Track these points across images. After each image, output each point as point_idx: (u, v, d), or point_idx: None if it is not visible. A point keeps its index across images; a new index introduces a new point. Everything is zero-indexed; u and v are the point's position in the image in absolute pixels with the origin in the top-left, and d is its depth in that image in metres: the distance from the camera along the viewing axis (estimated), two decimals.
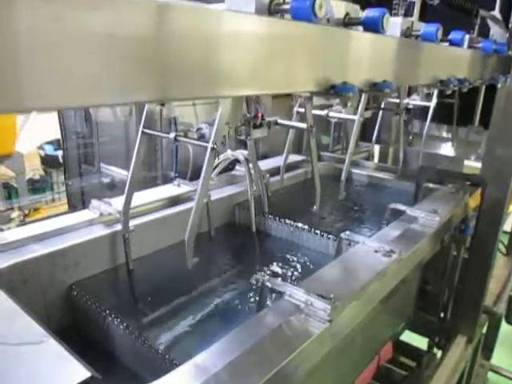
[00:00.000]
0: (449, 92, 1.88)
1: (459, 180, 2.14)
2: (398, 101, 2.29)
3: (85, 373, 0.81)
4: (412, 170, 2.38)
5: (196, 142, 1.27)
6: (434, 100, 2.74)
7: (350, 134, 1.88)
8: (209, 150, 1.08)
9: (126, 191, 1.43)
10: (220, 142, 1.10)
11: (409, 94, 2.81)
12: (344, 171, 1.80)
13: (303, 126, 1.45)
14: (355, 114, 1.82)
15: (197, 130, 1.35)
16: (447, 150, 3.64)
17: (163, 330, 1.24)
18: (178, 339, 1.20)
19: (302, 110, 1.67)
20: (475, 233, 2.09)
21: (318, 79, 0.97)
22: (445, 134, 3.66)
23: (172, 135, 1.30)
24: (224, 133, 1.14)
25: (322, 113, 1.98)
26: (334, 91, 0.99)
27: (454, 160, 3.49)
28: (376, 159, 3.86)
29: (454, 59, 1.73)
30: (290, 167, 2.44)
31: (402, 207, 1.75)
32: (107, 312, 1.22)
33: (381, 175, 2.51)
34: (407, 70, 1.37)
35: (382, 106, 2.58)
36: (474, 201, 2.06)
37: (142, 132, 1.37)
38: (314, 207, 1.49)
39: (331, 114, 1.98)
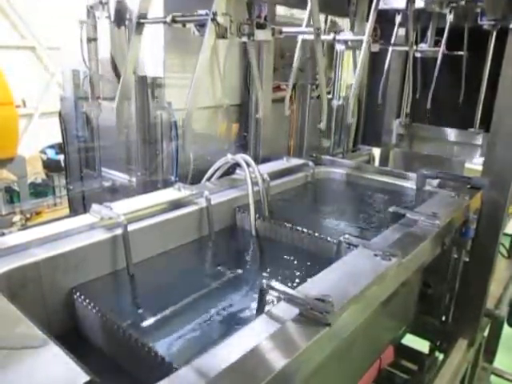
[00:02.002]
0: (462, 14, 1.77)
1: (459, 183, 2.14)
2: (406, 48, 2.21)
3: (84, 377, 0.82)
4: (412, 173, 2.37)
5: (194, 18, 1.24)
6: (443, 46, 2.62)
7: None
8: (209, 21, 1.07)
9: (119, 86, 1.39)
10: (221, 17, 1.07)
11: (416, 43, 2.68)
12: (352, 95, 1.71)
13: (310, 29, 1.40)
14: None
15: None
16: (448, 151, 3.63)
17: (163, 334, 1.24)
18: (177, 343, 1.21)
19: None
20: (476, 236, 2.09)
21: None
22: (446, 137, 3.65)
23: (169, 18, 1.28)
24: (226, 23, 1.10)
25: (329, 37, 1.89)
26: None
27: (455, 162, 3.49)
28: (377, 162, 3.87)
29: None
30: (291, 171, 2.44)
31: (402, 210, 1.75)
32: (107, 316, 1.23)
33: (382, 178, 2.51)
34: None
35: (393, 41, 2.44)
36: (474, 203, 2.06)
37: (137, 23, 1.35)
38: (321, 123, 1.40)
39: (338, 37, 1.89)
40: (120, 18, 2.32)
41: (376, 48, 1.85)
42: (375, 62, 2.99)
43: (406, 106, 3.45)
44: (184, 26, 1.34)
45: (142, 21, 1.35)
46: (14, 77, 4.47)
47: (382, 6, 1.89)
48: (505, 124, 2.02)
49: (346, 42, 1.90)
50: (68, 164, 3.18)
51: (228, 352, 0.91)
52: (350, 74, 4.13)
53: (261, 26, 1.40)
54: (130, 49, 1.40)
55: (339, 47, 1.94)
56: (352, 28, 1.93)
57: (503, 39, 2.09)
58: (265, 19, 1.44)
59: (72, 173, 3.14)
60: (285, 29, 1.50)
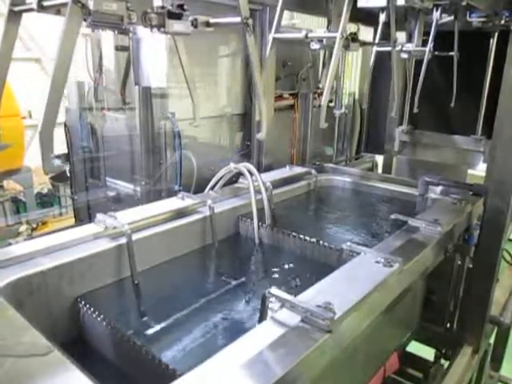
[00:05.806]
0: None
1: (462, 190, 2.15)
2: (389, 48, 2.15)
3: None
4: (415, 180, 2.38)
5: (64, 1, 1.06)
6: (429, 45, 2.50)
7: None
8: (70, 1, 0.98)
9: None
10: None
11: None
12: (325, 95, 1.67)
13: (237, 20, 1.24)
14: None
15: None
16: (451, 158, 3.62)
17: (167, 342, 1.25)
18: (181, 350, 1.22)
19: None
20: (479, 242, 2.08)
21: None
22: (449, 144, 3.64)
23: (35, 2, 1.13)
24: (120, 11, 0.97)
25: (301, 35, 1.77)
26: None
27: (458, 169, 3.49)
28: (380, 170, 3.87)
29: None
30: (294, 179, 2.46)
31: (404, 217, 1.75)
32: (112, 324, 1.24)
33: (385, 186, 2.52)
34: None
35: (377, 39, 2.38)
36: (477, 210, 2.06)
37: (10, 11, 1.21)
38: (259, 134, 1.36)
39: (310, 34, 1.77)
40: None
41: (356, 48, 1.76)
42: (378, 70, 2.99)
43: (407, 111, 3.45)
44: (59, 12, 1.12)
45: (15, 9, 1.17)
46: (19, 88, 4.53)
47: (363, 4, 1.82)
48: (507, 130, 2.02)
49: (320, 40, 1.81)
50: (73, 174, 3.21)
51: (230, 359, 0.93)
52: (351, 82, 4.17)
53: (175, 16, 1.15)
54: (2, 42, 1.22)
55: (314, 46, 1.85)
56: (328, 28, 1.85)
57: (505, 41, 2.07)
58: (180, 7, 1.15)
59: (77, 183, 3.17)
60: (212, 20, 1.28)
